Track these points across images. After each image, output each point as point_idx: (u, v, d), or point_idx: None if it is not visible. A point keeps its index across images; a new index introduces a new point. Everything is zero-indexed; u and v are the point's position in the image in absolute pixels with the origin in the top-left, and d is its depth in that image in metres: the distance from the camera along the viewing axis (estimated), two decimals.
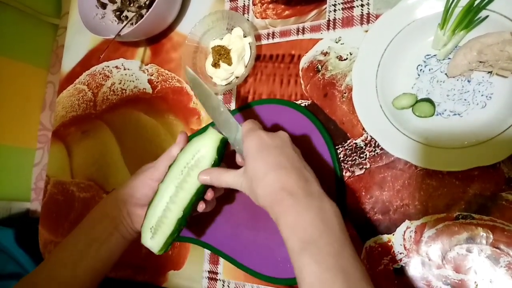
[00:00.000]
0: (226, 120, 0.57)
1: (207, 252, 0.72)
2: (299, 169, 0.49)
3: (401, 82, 0.61)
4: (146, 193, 0.60)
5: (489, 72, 0.56)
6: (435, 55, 0.60)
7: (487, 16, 0.56)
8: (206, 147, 0.57)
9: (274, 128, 0.68)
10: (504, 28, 0.54)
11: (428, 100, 0.58)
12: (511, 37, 0.52)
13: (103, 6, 0.89)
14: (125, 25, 0.80)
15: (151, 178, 0.60)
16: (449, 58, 0.59)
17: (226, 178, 0.54)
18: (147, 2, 0.85)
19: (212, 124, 0.62)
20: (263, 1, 0.78)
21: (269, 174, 0.48)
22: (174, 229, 0.57)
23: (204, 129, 0.76)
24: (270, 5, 0.77)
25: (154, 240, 0.57)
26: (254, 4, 0.78)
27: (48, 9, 1.77)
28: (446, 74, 0.58)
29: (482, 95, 0.56)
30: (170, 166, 0.58)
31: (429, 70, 0.60)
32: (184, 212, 0.57)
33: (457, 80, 0.58)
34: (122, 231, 0.62)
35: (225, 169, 0.55)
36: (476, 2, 0.56)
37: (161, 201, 0.57)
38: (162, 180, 0.57)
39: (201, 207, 0.59)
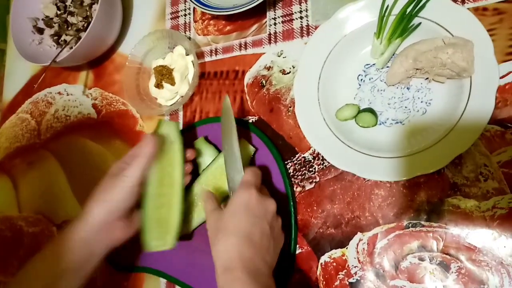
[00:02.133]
0: (235, 159, 0.58)
1: (163, 281, 0.69)
2: (262, 246, 0.50)
3: (343, 93, 0.61)
4: (130, 199, 0.57)
5: (426, 78, 0.56)
6: (374, 64, 0.60)
7: (420, 23, 0.56)
8: (171, 134, 0.61)
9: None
10: (436, 35, 0.55)
11: (370, 110, 0.58)
12: (443, 43, 0.53)
13: (40, 31, 0.85)
14: (62, 50, 0.77)
15: (127, 185, 0.56)
16: (387, 67, 0.59)
17: (210, 206, 0.56)
18: (85, 25, 0.82)
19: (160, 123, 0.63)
20: (204, 18, 0.76)
21: (234, 236, 0.50)
22: (179, 219, 0.59)
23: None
24: (211, 21, 0.75)
25: (164, 241, 0.58)
26: (195, 21, 0.77)
27: None
28: (385, 82, 0.58)
29: (421, 102, 0.56)
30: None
31: (370, 79, 0.60)
32: (182, 199, 0.59)
33: (397, 88, 0.58)
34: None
35: (216, 202, 0.57)
36: (408, 10, 0.56)
37: (154, 204, 0.58)
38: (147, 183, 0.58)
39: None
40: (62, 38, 0.84)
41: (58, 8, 0.86)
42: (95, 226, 0.56)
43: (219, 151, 0.67)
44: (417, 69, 0.55)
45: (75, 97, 0.87)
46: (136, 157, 0.57)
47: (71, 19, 0.84)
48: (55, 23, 0.86)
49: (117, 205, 0.57)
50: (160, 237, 0.58)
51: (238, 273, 0.47)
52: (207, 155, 0.66)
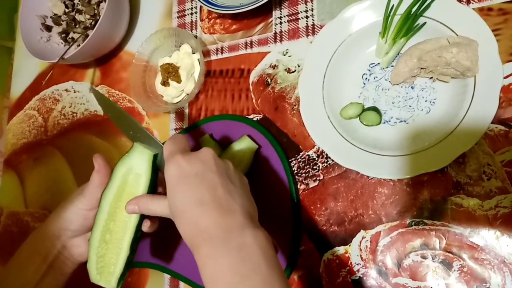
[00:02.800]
0: (147, 138, 0.54)
1: (167, 276, 0.70)
2: (220, 199, 0.43)
3: (347, 92, 0.61)
4: (82, 223, 0.56)
5: (431, 77, 0.56)
6: (378, 63, 0.60)
7: (425, 23, 0.57)
8: (138, 166, 0.52)
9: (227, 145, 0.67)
10: (441, 34, 0.55)
11: (375, 109, 0.58)
12: (447, 43, 0.53)
13: (48, 28, 0.86)
14: (69, 47, 0.78)
15: (81, 208, 0.56)
16: (392, 66, 0.59)
17: (155, 207, 0.49)
18: (92, 23, 0.83)
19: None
20: (210, 17, 0.77)
21: (187, 213, 0.43)
22: (124, 264, 0.52)
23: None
24: (218, 20, 0.76)
25: (105, 277, 0.52)
26: (201, 20, 0.78)
27: (1, 32, 1.72)
28: (390, 81, 0.59)
29: (426, 101, 0.56)
30: (102, 194, 0.53)
31: (374, 78, 0.60)
32: (131, 246, 0.52)
33: (401, 87, 0.58)
34: (60, 268, 0.58)
35: (154, 196, 0.51)
36: (413, 10, 0.56)
37: (100, 235, 0.52)
38: (97, 210, 0.53)
39: (145, 225, 0.53)
40: (70, 36, 0.85)
41: (66, 6, 0.87)
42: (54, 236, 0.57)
43: (223, 148, 0.67)
44: (421, 68, 0.55)
45: (82, 94, 0.88)
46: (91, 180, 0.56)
47: (79, 17, 0.85)
48: (63, 21, 0.87)
49: (68, 224, 0.57)
50: (104, 274, 0.52)
51: (206, 247, 0.41)
52: None
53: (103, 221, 0.53)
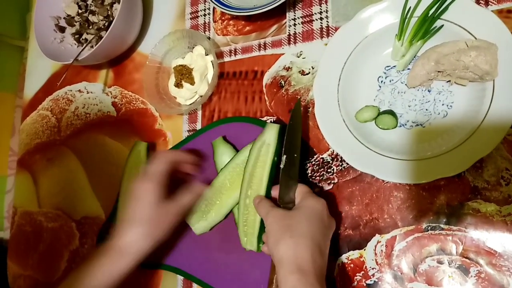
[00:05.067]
0: (294, 164, 0.58)
1: (180, 278, 0.70)
2: (325, 261, 0.51)
3: (363, 95, 0.60)
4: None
5: (448, 81, 0.56)
6: (395, 66, 0.59)
7: (442, 26, 0.56)
8: (268, 137, 0.61)
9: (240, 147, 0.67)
10: (459, 37, 0.54)
11: (390, 112, 0.58)
12: (465, 46, 0.52)
13: (62, 29, 0.87)
14: (83, 49, 0.78)
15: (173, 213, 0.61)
16: (408, 69, 0.58)
17: (267, 204, 0.55)
18: (106, 24, 0.83)
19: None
20: (223, 18, 0.77)
21: (311, 241, 0.49)
22: (260, 223, 0.59)
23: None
24: (231, 22, 0.76)
25: (249, 239, 0.60)
26: (214, 21, 0.77)
27: (13, 31, 1.73)
28: (406, 84, 0.58)
29: (443, 104, 0.56)
30: (245, 167, 0.62)
31: (390, 81, 0.59)
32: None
33: (418, 90, 0.58)
34: None
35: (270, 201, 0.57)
36: (431, 12, 0.56)
37: (242, 201, 0.61)
38: (242, 180, 0.62)
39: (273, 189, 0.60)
40: (83, 37, 0.86)
41: (80, 7, 0.87)
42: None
43: (237, 150, 0.67)
44: (439, 71, 0.55)
45: (95, 95, 0.88)
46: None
47: (92, 18, 0.85)
48: (76, 22, 0.87)
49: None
50: (249, 237, 0.61)
51: (312, 279, 0.46)
52: (225, 154, 0.67)
53: (244, 189, 0.61)
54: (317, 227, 0.51)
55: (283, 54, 0.69)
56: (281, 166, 0.57)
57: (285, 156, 0.57)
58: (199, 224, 0.66)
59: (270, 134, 0.61)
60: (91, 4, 0.87)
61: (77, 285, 0.56)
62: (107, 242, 0.59)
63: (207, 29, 0.78)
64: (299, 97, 0.66)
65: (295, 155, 0.58)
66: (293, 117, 0.58)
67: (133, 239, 0.58)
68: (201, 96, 0.73)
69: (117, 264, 0.57)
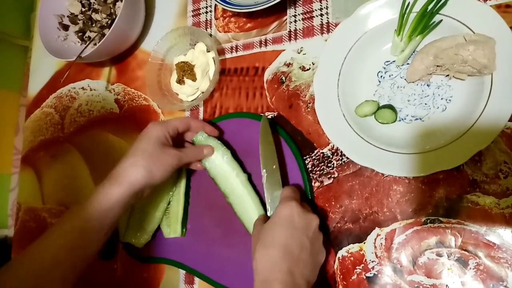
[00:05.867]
0: (274, 177, 0.60)
1: (182, 272, 0.71)
2: (302, 262, 0.51)
3: (362, 90, 0.61)
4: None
5: (447, 75, 0.56)
6: (394, 61, 0.60)
7: (441, 21, 0.56)
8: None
9: (243, 143, 0.68)
10: (457, 32, 0.55)
11: (390, 107, 0.58)
12: (464, 40, 0.53)
13: (65, 28, 0.88)
14: (86, 46, 0.79)
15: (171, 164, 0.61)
16: (407, 64, 0.59)
17: (257, 219, 0.60)
18: (109, 22, 0.84)
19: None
20: (224, 15, 0.77)
21: (274, 249, 0.50)
22: (183, 210, 0.70)
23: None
24: (232, 19, 0.77)
25: (173, 228, 0.70)
26: (216, 18, 0.78)
27: (17, 31, 1.74)
28: (405, 79, 0.59)
29: (442, 99, 0.56)
30: None
31: (389, 76, 0.60)
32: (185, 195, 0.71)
33: (417, 85, 0.58)
34: None
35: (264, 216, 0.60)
36: (429, 7, 0.56)
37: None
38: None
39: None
40: (87, 35, 0.87)
41: (83, 6, 0.88)
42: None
43: (235, 149, 0.68)
44: (437, 66, 0.55)
45: (98, 92, 0.89)
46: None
47: (95, 16, 0.86)
48: (79, 20, 0.88)
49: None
50: (172, 226, 0.70)
51: (276, 286, 0.47)
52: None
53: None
54: (283, 231, 0.51)
55: (284, 50, 0.70)
56: (263, 181, 0.59)
57: (264, 170, 0.60)
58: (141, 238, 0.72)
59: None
60: (94, 3, 0.88)
61: (82, 206, 0.57)
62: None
63: (208, 26, 0.79)
64: (262, 114, 0.68)
65: (274, 166, 0.60)
66: (262, 134, 0.61)
67: (129, 167, 0.58)
68: (202, 93, 0.74)
69: (113, 189, 0.57)
